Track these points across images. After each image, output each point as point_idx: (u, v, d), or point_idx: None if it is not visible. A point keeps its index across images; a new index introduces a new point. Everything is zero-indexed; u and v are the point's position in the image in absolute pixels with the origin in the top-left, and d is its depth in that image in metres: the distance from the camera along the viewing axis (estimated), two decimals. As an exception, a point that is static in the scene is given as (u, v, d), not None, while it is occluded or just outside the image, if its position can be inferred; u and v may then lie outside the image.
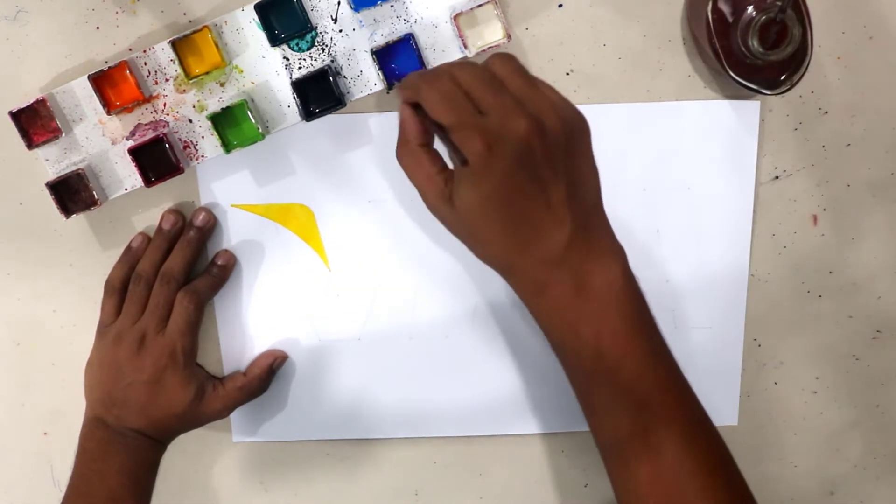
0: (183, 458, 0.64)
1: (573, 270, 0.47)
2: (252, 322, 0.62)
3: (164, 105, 0.56)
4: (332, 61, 0.55)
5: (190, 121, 0.56)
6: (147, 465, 0.58)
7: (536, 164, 0.46)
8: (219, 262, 0.60)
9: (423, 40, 0.55)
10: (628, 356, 0.47)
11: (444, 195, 0.47)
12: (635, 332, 0.47)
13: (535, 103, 0.46)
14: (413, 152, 0.48)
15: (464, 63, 0.48)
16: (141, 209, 0.60)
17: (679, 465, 0.47)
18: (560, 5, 0.57)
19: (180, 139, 0.56)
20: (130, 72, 0.54)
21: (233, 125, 0.55)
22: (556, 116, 0.46)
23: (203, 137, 0.56)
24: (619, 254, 0.48)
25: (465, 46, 0.55)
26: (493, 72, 0.47)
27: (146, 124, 0.56)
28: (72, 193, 0.56)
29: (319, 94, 0.55)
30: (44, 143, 0.55)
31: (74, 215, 0.56)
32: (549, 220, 0.47)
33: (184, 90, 0.56)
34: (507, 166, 0.45)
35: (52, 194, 0.56)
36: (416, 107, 0.47)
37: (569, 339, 0.48)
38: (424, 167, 0.48)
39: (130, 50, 0.57)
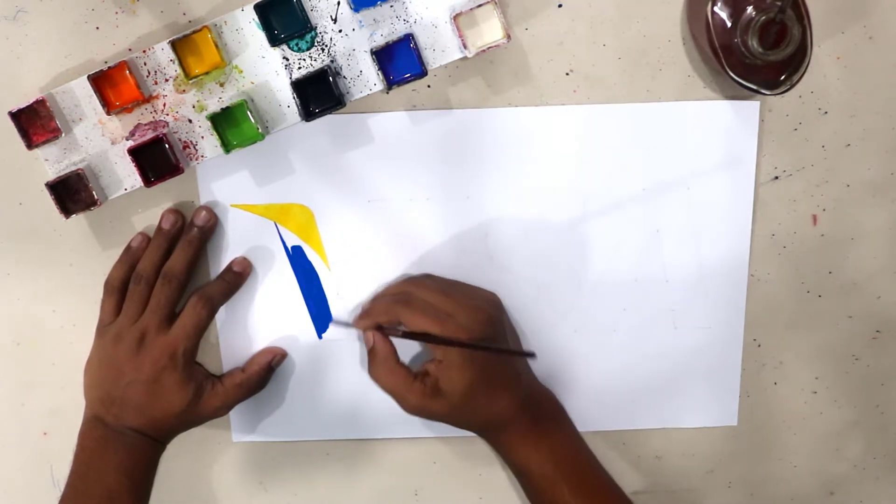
0: (183, 458, 0.64)
1: (529, 407, 0.58)
2: (252, 321, 0.62)
3: (164, 105, 0.56)
4: (332, 61, 0.55)
5: (190, 121, 0.56)
6: (145, 464, 0.58)
7: (499, 337, 0.57)
8: (235, 269, 0.60)
9: (423, 40, 0.55)
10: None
11: (427, 392, 0.55)
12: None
13: (471, 295, 0.58)
14: (392, 369, 0.56)
15: (410, 282, 0.59)
16: (141, 209, 0.60)
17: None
18: (560, 5, 0.57)
19: (180, 139, 0.56)
20: (130, 72, 0.54)
21: (232, 125, 0.55)
22: (491, 295, 0.59)
23: (203, 137, 0.56)
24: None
25: (465, 46, 0.54)
26: (434, 284, 0.58)
27: (146, 124, 0.56)
28: (72, 193, 0.56)
29: (319, 94, 0.55)
30: (44, 143, 0.55)
31: (74, 215, 0.56)
32: (513, 373, 0.57)
33: (183, 90, 0.56)
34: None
35: (52, 194, 0.56)
36: (378, 328, 0.57)
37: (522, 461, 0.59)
38: (403, 377, 0.56)
39: (130, 50, 0.57)
